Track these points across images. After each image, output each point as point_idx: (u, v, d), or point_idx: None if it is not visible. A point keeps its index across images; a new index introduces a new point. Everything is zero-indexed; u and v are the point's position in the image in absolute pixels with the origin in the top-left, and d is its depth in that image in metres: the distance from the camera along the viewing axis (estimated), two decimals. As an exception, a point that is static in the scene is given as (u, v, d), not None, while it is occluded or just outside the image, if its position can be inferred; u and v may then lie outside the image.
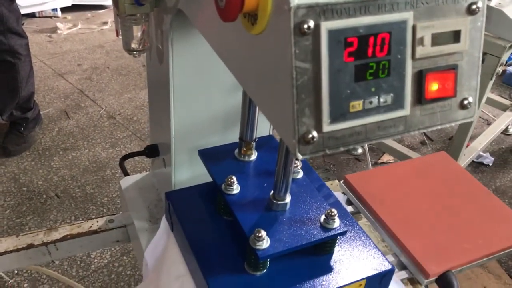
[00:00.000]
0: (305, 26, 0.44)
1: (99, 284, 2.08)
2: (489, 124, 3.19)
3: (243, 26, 0.51)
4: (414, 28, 0.48)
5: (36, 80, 3.36)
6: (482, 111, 3.43)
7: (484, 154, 2.96)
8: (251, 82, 0.54)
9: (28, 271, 2.08)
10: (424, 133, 3.18)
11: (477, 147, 2.73)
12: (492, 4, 2.12)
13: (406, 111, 0.50)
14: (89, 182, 2.58)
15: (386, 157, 2.93)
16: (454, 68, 0.51)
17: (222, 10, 0.49)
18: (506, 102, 3.12)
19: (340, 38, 0.45)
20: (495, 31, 2.14)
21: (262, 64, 0.50)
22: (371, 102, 0.48)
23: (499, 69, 2.19)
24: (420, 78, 0.50)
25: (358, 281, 0.78)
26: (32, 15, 4.32)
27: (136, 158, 2.76)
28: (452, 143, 2.57)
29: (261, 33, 0.49)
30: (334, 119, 0.47)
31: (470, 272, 2.24)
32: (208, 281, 0.76)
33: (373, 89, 0.48)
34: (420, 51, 0.49)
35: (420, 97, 0.51)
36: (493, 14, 2.10)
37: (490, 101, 3.14)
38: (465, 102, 0.53)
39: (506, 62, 3.84)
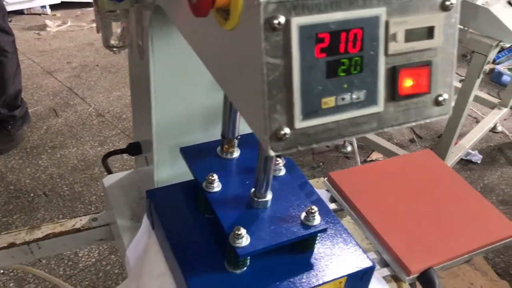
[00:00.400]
0: (276, 21, 0.43)
1: (87, 283, 2.07)
2: (477, 122, 3.21)
3: (216, 21, 0.50)
4: (387, 24, 0.48)
5: (24, 77, 3.33)
6: (471, 109, 3.44)
7: (472, 152, 2.97)
8: (225, 78, 0.54)
9: (14, 270, 2.06)
10: (413, 131, 3.19)
11: (465, 145, 2.74)
12: (479, 2, 2.12)
13: (379, 107, 0.50)
14: (77, 181, 2.56)
15: (375, 155, 2.94)
16: (428, 64, 0.51)
17: (194, 6, 0.49)
18: (494, 100, 3.14)
19: (311, 34, 0.45)
20: (482, 29, 2.15)
21: (235, 60, 0.50)
22: (343, 99, 0.48)
23: (486, 67, 2.20)
24: (393, 75, 0.50)
25: (338, 278, 0.78)
26: (20, 12, 4.28)
27: (125, 156, 2.74)
28: (441, 140, 2.58)
29: (234, 29, 0.48)
30: (306, 115, 0.47)
31: (457, 269, 2.25)
32: (187, 280, 0.75)
33: (345, 86, 0.48)
34: (393, 47, 0.49)
35: (393, 94, 0.50)
36: (480, 12, 2.11)
37: (478, 99, 3.16)
38: (440, 98, 0.53)
39: (495, 61, 3.87)
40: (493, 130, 3.22)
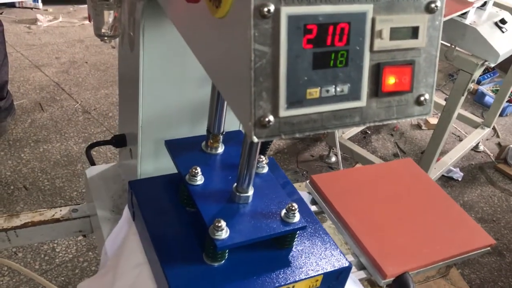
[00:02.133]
0: (265, 9, 0.44)
1: (62, 278, 2.04)
2: (461, 140, 3.26)
3: (208, 9, 0.51)
4: (373, 21, 0.49)
5: (12, 70, 3.30)
6: (455, 127, 3.50)
7: (454, 169, 3.02)
8: (214, 66, 0.55)
9: (-12, 262, 2.03)
10: (397, 145, 3.23)
11: (447, 162, 2.79)
12: (467, 22, 2.17)
13: (362, 102, 0.51)
14: (59, 176, 2.54)
15: (359, 167, 2.96)
16: (411, 63, 0.52)
17: (187, -8, 0.50)
18: (478, 119, 3.20)
19: (300, 24, 0.46)
20: (468, 48, 2.20)
21: (224, 48, 0.51)
22: (328, 91, 0.49)
23: (471, 86, 2.24)
24: (377, 71, 0.51)
25: (315, 276, 0.79)
26: (12, 5, 4.25)
27: (108, 154, 2.73)
28: (424, 156, 2.62)
29: (224, 17, 0.49)
30: (290, 104, 0.48)
31: (433, 283, 2.27)
32: (165, 270, 0.75)
33: (330, 78, 0.49)
34: (378, 44, 0.50)
35: (376, 90, 0.52)
36: (468, 31, 2.16)
37: (463, 118, 3.22)
38: (422, 98, 0.54)
39: (480, 82, 3.94)
40: (475, 149, 3.28)
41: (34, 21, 4.08)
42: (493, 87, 3.89)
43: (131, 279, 0.84)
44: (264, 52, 0.46)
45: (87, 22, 4.23)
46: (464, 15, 2.18)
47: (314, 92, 0.49)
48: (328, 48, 0.48)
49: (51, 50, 3.72)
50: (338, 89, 0.50)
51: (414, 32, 0.52)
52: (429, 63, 0.54)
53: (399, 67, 0.52)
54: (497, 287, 2.36)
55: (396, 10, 0.50)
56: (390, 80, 0.52)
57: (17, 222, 1.14)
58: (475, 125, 3.17)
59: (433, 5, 0.52)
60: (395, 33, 0.50)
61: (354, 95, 0.51)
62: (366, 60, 0.50)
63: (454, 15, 2.13)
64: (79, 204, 1.20)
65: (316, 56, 0.48)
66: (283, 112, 0.48)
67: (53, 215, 1.17)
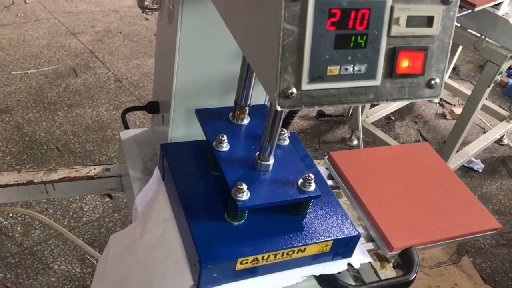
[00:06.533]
0: (296, -7, 0.50)
1: (89, 236, 2.17)
2: (485, 132, 3.25)
3: (244, -10, 0.58)
4: (392, 9, 0.55)
5: (48, 36, 3.43)
6: (480, 118, 3.49)
7: (475, 160, 3.03)
8: (247, 41, 0.61)
9: (22, 215, 2.17)
10: (420, 133, 3.25)
11: (468, 152, 2.80)
12: (500, 13, 2.17)
13: (377, 81, 0.57)
14: (89, 140, 2.66)
15: (376, 147, 3.00)
16: (424, 49, 0.58)
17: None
18: (504, 112, 3.18)
19: (325, 8, 0.52)
20: (499, 39, 2.20)
21: (257, 25, 0.57)
22: (346, 69, 0.55)
23: (498, 78, 2.25)
24: (393, 54, 0.57)
25: (325, 241, 0.86)
26: (51, -28, 4.35)
27: (137, 123, 2.83)
28: (445, 144, 2.64)
29: (259, -3, 0.56)
30: (312, 79, 0.54)
31: (443, 269, 2.32)
32: (190, 225, 0.83)
33: (349, 58, 0.55)
34: (395, 29, 0.56)
35: (391, 71, 0.58)
36: (499, 23, 2.16)
37: (489, 110, 3.20)
38: (432, 82, 0.60)
39: (511, 75, 3.89)
40: (498, 142, 3.27)
41: (72, -12, 4.18)
42: (523, 81, 3.83)
43: (159, 232, 0.92)
44: (291, 31, 0.52)
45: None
46: (497, 6, 2.18)
47: (334, 70, 0.55)
48: (349, 31, 0.54)
49: (87, 18, 3.83)
50: (356, 68, 0.56)
51: (429, 21, 0.57)
52: (442, 50, 0.59)
53: (413, 52, 0.57)
54: (508, 278, 2.40)
55: (414, 0, 0.56)
56: (404, 63, 0.58)
57: (55, 176, 1.24)
58: (501, 118, 3.16)
59: (449, -3, 0.57)
60: (411, 21, 0.56)
61: (370, 74, 0.57)
62: (383, 44, 0.56)
63: (487, 5, 2.13)
64: (111, 164, 1.30)
65: (338, 37, 0.54)
66: (305, 86, 0.54)
67: (88, 172, 1.26)
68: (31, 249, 2.06)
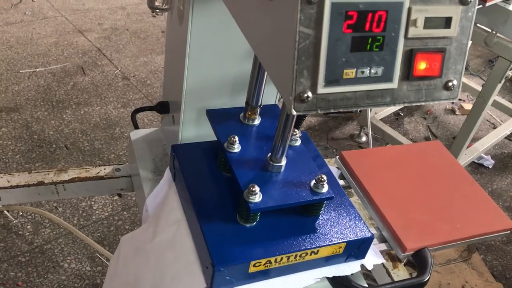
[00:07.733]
0: (312, -5, 0.49)
1: (98, 234, 2.18)
2: (495, 128, 3.23)
3: (258, -8, 0.57)
4: (409, 10, 0.54)
5: (56, 34, 3.43)
6: (490, 114, 3.46)
7: (485, 156, 3.00)
8: (261, 43, 0.60)
9: (32, 214, 2.18)
10: (429, 129, 3.22)
11: (479, 148, 2.78)
12: (511, 8, 2.14)
13: (394, 84, 0.56)
14: (98, 138, 2.66)
15: (387, 146, 2.98)
16: (442, 51, 0.57)
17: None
18: (515, 108, 3.15)
19: (342, 10, 0.51)
20: (510, 34, 2.17)
21: (272, 28, 0.56)
22: (363, 72, 0.54)
23: (509, 73, 2.22)
24: (410, 56, 0.56)
25: (338, 243, 0.85)
26: (58, -30, 4.35)
27: (145, 120, 2.84)
28: (455, 140, 2.62)
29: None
30: (328, 82, 0.54)
31: (454, 266, 2.31)
32: (202, 227, 0.83)
33: (366, 60, 0.54)
34: (412, 31, 0.55)
35: (408, 73, 0.57)
36: (510, 18, 2.13)
37: (500, 106, 3.17)
38: (450, 84, 0.59)
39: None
40: (509, 137, 3.24)
41: (79, -14, 4.19)
42: (534, 76, 3.79)
43: (170, 233, 0.92)
44: (307, 34, 0.51)
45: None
46: (508, 0, 2.15)
47: (350, 73, 0.54)
48: (366, 33, 0.53)
49: (94, 16, 3.83)
50: (372, 71, 0.55)
51: (447, 22, 0.56)
52: (459, 51, 0.58)
53: (431, 54, 0.56)
54: (518, 275, 2.38)
55: (432, 1, 0.54)
56: (421, 65, 0.57)
57: (66, 177, 1.24)
58: None
59: (467, -3, 0.56)
60: (429, 22, 0.55)
61: (387, 77, 0.56)
62: (400, 46, 0.55)
63: (498, 0, 2.10)
64: (121, 164, 1.29)
65: (354, 40, 0.53)
66: (321, 89, 0.54)
67: (98, 172, 1.26)
68: (41, 248, 2.07)
